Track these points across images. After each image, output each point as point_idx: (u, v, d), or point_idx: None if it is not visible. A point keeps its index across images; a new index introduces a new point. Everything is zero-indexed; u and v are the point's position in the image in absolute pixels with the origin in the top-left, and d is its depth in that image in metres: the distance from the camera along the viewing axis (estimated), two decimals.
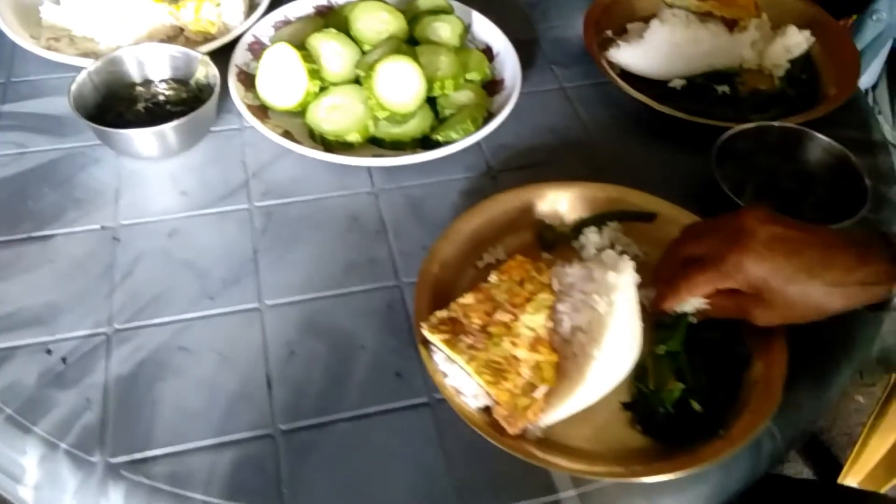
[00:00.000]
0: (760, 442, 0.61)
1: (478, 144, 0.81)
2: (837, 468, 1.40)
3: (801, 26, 0.92)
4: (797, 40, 0.91)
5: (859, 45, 1.12)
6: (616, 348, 0.58)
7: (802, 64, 0.92)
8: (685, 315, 0.63)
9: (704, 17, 0.86)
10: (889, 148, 0.86)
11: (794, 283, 0.55)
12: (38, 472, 0.56)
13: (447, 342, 0.58)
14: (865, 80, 1.21)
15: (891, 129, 1.13)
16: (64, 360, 0.62)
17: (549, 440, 0.58)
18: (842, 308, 0.56)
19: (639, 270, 0.61)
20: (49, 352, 0.63)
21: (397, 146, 0.80)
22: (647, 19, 0.91)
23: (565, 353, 0.58)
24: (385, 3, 0.90)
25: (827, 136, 0.76)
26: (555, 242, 0.71)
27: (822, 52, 0.92)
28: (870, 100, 1.22)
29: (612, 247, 0.69)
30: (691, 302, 0.60)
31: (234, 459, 0.57)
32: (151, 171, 0.78)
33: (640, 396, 0.61)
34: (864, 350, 0.68)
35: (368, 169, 0.79)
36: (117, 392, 0.61)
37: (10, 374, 0.61)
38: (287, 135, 0.79)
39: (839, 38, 0.91)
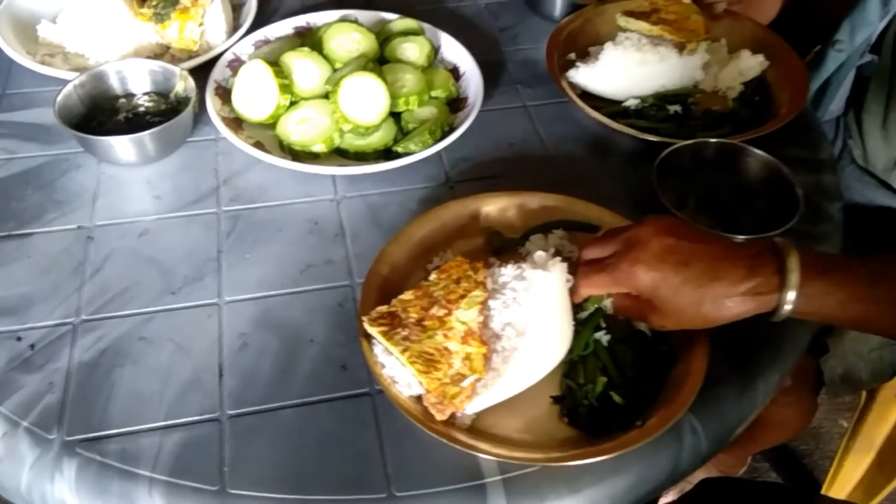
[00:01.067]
0: (682, 437, 0.64)
1: (438, 156, 0.86)
2: (818, 491, 1.41)
3: (755, 50, 0.97)
4: (750, 64, 0.95)
5: (823, 76, 1.15)
6: (541, 342, 0.61)
7: (756, 86, 0.96)
8: (598, 310, 0.66)
9: (656, 40, 0.91)
10: (835, 167, 0.90)
11: (682, 294, 0.58)
12: (0, 446, 0.61)
13: (384, 334, 0.62)
14: (834, 109, 1.24)
15: (861, 153, 1.15)
16: (32, 346, 0.67)
17: (480, 429, 0.62)
18: (732, 317, 0.59)
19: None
20: (19, 339, 0.67)
21: (361, 157, 0.85)
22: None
23: (495, 347, 0.62)
24: (357, 24, 0.96)
25: (777, 155, 0.79)
26: (503, 248, 0.75)
27: (775, 76, 0.96)
28: (841, 127, 1.25)
29: (556, 253, 0.73)
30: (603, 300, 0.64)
31: (181, 440, 0.61)
32: (129, 177, 0.83)
33: (567, 391, 0.64)
34: (791, 356, 0.71)
35: (332, 177, 0.84)
36: (79, 377, 0.65)
37: None
38: (258, 145, 0.84)
39: (791, 62, 0.96)
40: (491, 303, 0.64)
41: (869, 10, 1.05)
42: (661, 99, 0.91)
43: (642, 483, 0.62)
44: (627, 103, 0.91)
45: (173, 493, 0.58)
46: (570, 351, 0.65)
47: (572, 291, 0.63)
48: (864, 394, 1.28)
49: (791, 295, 0.56)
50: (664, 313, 0.60)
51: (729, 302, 0.58)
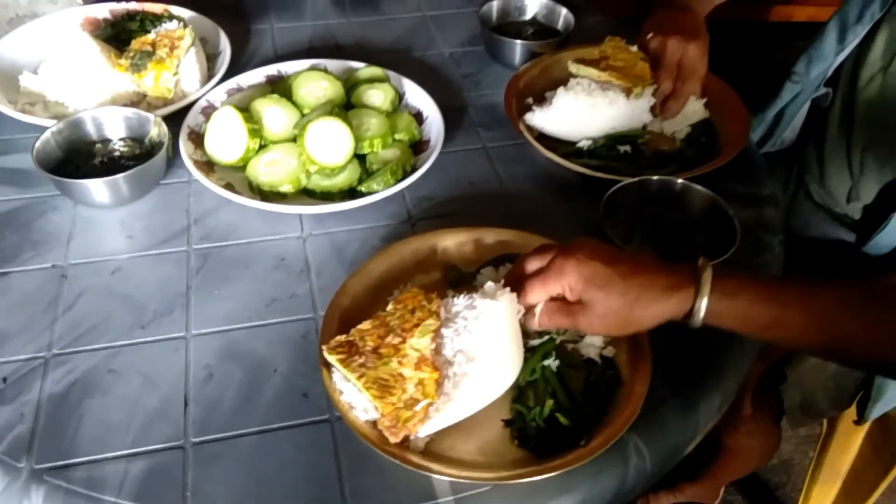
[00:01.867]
0: (627, 458, 0.67)
1: (401, 195, 0.91)
2: None
3: (701, 94, 1.03)
4: (695, 108, 1.01)
5: (779, 105, 1.21)
6: (490, 368, 0.65)
7: (702, 128, 1.02)
8: (550, 340, 0.70)
9: (605, 85, 0.97)
10: (777, 201, 0.95)
11: (610, 288, 0.63)
12: None
13: (342, 361, 0.65)
14: (787, 138, 1.30)
15: (818, 188, 1.21)
16: (4, 380, 0.70)
17: (434, 452, 0.65)
18: (654, 317, 0.64)
19: None
20: None
21: (327, 196, 0.89)
22: None
23: (447, 372, 0.65)
24: (326, 72, 1.01)
25: (721, 191, 0.84)
26: (458, 281, 0.79)
27: (719, 118, 1.02)
28: (797, 162, 1.31)
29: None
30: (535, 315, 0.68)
31: (145, 467, 0.64)
32: (103, 218, 0.87)
33: (517, 414, 0.68)
34: (733, 381, 0.75)
35: (299, 216, 0.88)
36: (49, 408, 0.68)
37: None
38: (229, 187, 0.88)
39: (733, 106, 1.02)
40: (443, 331, 0.67)
41: (825, 45, 1.11)
42: (612, 140, 0.96)
43: (589, 499, 0.65)
44: (580, 144, 0.97)
45: None
46: (520, 376, 0.68)
47: (521, 302, 0.67)
48: (825, 424, 1.32)
49: (703, 299, 0.62)
50: (594, 313, 0.64)
51: (651, 299, 0.63)
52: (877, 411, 1.11)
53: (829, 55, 1.11)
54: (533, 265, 0.67)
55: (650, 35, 1.01)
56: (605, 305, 0.64)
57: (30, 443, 0.65)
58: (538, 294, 0.66)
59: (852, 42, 1.07)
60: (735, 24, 1.69)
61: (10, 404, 0.68)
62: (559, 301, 0.66)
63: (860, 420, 1.13)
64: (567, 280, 0.64)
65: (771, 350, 1.10)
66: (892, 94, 1.02)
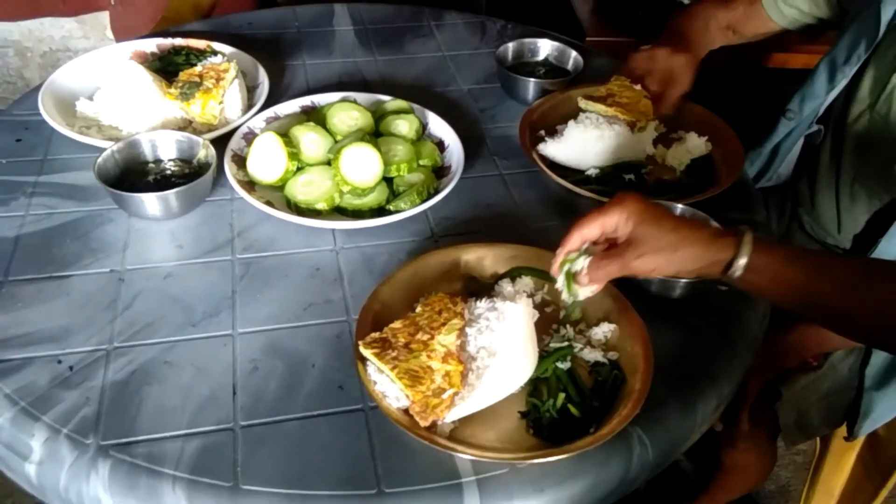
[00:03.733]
0: (632, 448, 0.74)
1: (425, 215, 0.99)
2: None
3: (701, 132, 1.12)
4: (696, 143, 1.11)
5: (774, 141, 1.29)
6: (509, 362, 0.73)
7: (702, 161, 1.11)
8: (569, 346, 0.78)
9: (612, 119, 1.06)
10: (769, 226, 1.04)
11: (662, 224, 0.70)
12: (42, 451, 0.70)
13: (376, 355, 0.73)
14: (783, 172, 1.38)
15: (810, 220, 1.29)
16: (71, 368, 0.77)
17: (458, 439, 0.72)
18: (697, 259, 0.71)
19: (542, 310, 0.77)
20: (59, 362, 0.78)
21: (358, 214, 0.98)
22: None
23: (470, 366, 0.73)
24: (356, 104, 1.11)
25: (718, 217, 0.92)
26: (477, 291, 0.87)
27: (718, 153, 1.11)
28: (791, 196, 1.39)
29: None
30: (577, 264, 0.76)
31: (200, 446, 0.71)
32: (155, 229, 0.96)
33: (532, 407, 0.75)
34: (727, 384, 0.82)
35: (333, 231, 0.96)
36: (111, 393, 0.75)
37: (27, 377, 0.76)
38: (269, 204, 0.97)
39: (730, 142, 1.11)
40: (467, 329, 0.75)
41: (817, 84, 1.20)
42: (618, 168, 1.06)
43: (598, 486, 0.72)
44: (588, 172, 1.06)
45: (193, 489, 0.67)
46: (535, 373, 0.76)
47: (563, 241, 0.75)
48: (818, 445, 1.38)
49: (745, 249, 0.69)
50: (645, 246, 0.71)
51: (696, 244, 0.70)
52: (866, 428, 1.17)
53: (821, 94, 1.20)
54: (597, 231, 0.75)
55: (641, 49, 1.12)
56: (656, 239, 0.70)
57: (95, 422, 0.72)
58: (593, 227, 0.72)
59: (841, 82, 1.16)
60: (737, 70, 1.81)
61: (77, 389, 0.75)
62: (608, 251, 0.73)
63: (850, 437, 1.19)
64: (626, 209, 0.71)
65: (767, 368, 1.17)
66: (878, 129, 1.10)
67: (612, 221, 0.73)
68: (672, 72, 1.14)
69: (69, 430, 0.71)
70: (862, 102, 1.12)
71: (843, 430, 1.23)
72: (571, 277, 0.77)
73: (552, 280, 0.82)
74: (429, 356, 0.73)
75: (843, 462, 1.36)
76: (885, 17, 1.08)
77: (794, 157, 1.34)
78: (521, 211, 1.03)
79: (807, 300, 0.70)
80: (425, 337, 0.74)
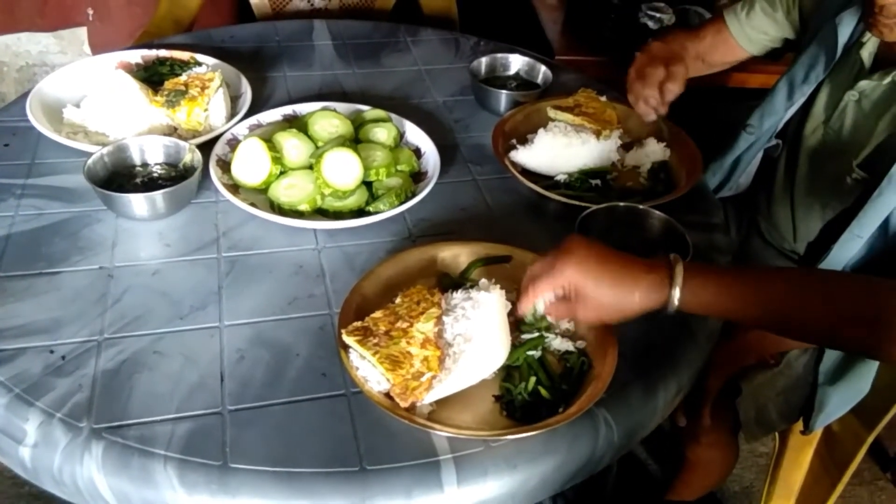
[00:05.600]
0: (598, 428, 0.79)
1: (403, 216, 1.04)
2: None
3: (661, 138, 1.19)
4: (654, 149, 1.18)
5: (735, 153, 1.37)
6: (483, 347, 0.77)
7: (662, 167, 1.18)
8: (541, 336, 0.83)
9: (578, 128, 1.13)
10: (729, 228, 1.10)
11: (602, 284, 0.76)
12: (36, 434, 0.73)
13: (359, 342, 0.77)
14: (742, 183, 1.46)
15: (767, 227, 1.36)
16: (63, 357, 0.80)
17: (435, 420, 0.77)
18: (638, 308, 0.77)
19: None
20: (52, 352, 0.81)
21: (339, 215, 1.02)
22: None
23: (447, 351, 0.78)
24: (337, 112, 1.16)
25: (678, 219, 0.98)
26: (451, 286, 0.91)
27: (677, 160, 1.18)
28: (750, 205, 1.46)
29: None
30: (538, 306, 0.81)
31: (189, 428, 0.74)
32: (143, 229, 0.99)
33: (505, 391, 0.80)
34: (686, 371, 0.88)
35: (314, 231, 1.01)
36: (103, 380, 0.78)
37: (21, 365, 0.79)
38: (253, 206, 1.01)
39: (688, 148, 1.18)
40: (444, 318, 0.80)
41: (776, 101, 1.28)
42: (585, 174, 1.12)
43: (567, 463, 0.77)
44: (558, 177, 1.12)
45: (184, 468, 0.71)
46: (508, 360, 0.81)
47: (522, 301, 0.80)
48: (776, 441, 1.45)
49: (676, 290, 0.75)
50: (588, 305, 0.77)
51: (635, 293, 0.76)
52: (821, 422, 1.24)
53: (780, 110, 1.28)
54: (537, 269, 0.80)
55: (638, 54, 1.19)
56: (597, 299, 0.77)
57: (88, 407, 0.75)
58: (546, 290, 0.79)
59: (799, 100, 1.24)
60: (699, 89, 1.90)
61: (69, 377, 0.78)
62: (560, 300, 0.79)
63: (806, 430, 1.26)
64: (567, 279, 0.77)
65: (727, 365, 1.24)
66: (831, 143, 1.18)
67: (560, 286, 0.79)
68: (671, 58, 1.19)
69: (62, 414, 0.74)
70: (817, 118, 1.20)
71: (800, 426, 1.30)
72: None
73: (505, 261, 0.90)
74: (408, 342, 0.77)
75: (801, 458, 1.43)
76: (842, 39, 1.16)
77: (754, 168, 1.42)
78: (493, 213, 1.09)
79: (743, 314, 0.77)
80: (405, 325, 0.79)
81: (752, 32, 1.30)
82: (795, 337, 0.84)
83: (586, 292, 0.77)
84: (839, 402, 1.21)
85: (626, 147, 1.20)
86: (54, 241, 0.96)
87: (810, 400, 1.24)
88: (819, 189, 1.21)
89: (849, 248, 1.10)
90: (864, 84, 1.10)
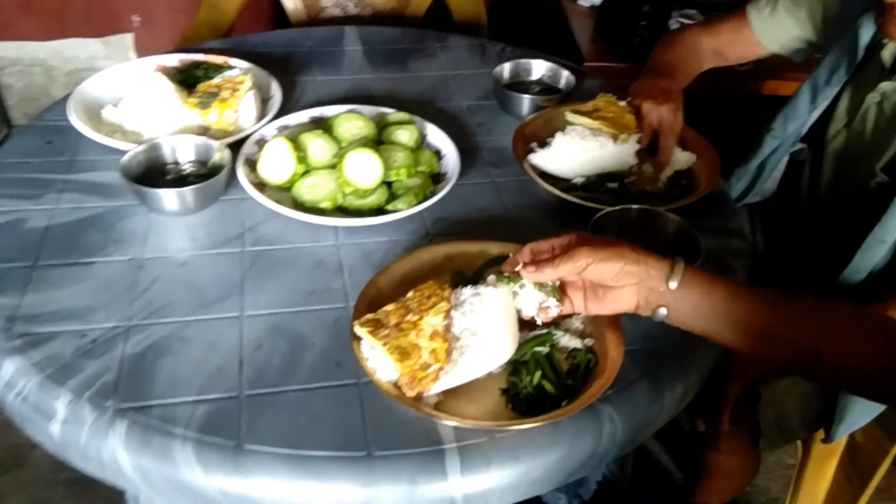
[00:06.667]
0: (602, 423, 0.81)
1: (421, 215, 1.07)
2: None
3: (684, 145, 1.20)
4: (678, 157, 1.19)
5: (760, 157, 1.36)
6: (489, 341, 0.80)
7: (684, 174, 1.18)
8: (549, 333, 0.85)
9: (596, 132, 1.14)
10: (755, 234, 1.11)
11: (610, 263, 0.78)
12: (65, 411, 0.78)
13: (370, 332, 0.80)
14: (768, 188, 1.45)
15: (792, 233, 1.35)
16: (93, 341, 0.85)
17: (442, 410, 0.79)
18: (634, 304, 0.79)
19: None
20: (83, 336, 0.86)
21: (359, 213, 1.06)
22: None
23: (454, 345, 0.80)
24: (361, 114, 1.20)
25: (696, 223, 0.99)
26: (463, 283, 0.94)
27: (699, 167, 1.19)
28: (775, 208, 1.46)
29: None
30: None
31: (208, 410, 0.78)
32: (172, 223, 1.04)
33: (511, 385, 0.82)
34: (693, 373, 0.89)
35: (335, 228, 1.04)
36: (130, 364, 0.83)
37: (54, 348, 0.84)
38: (277, 203, 1.05)
39: (709, 155, 1.18)
40: (453, 313, 0.82)
41: (799, 104, 1.27)
42: (602, 177, 1.13)
43: (570, 456, 0.79)
44: (575, 180, 1.14)
45: (201, 447, 0.75)
46: (516, 355, 0.83)
47: (539, 270, 0.80)
48: (800, 451, 1.43)
49: (674, 282, 0.77)
50: (598, 298, 0.80)
51: (635, 294, 0.78)
52: (842, 431, 1.22)
53: (804, 113, 1.27)
54: (541, 247, 0.83)
55: (633, 99, 1.20)
56: (608, 295, 0.80)
57: (114, 388, 0.80)
58: (553, 276, 0.80)
59: (823, 103, 1.24)
60: (732, 95, 1.90)
61: (98, 359, 0.83)
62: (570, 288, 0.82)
63: (827, 439, 1.25)
64: (577, 269, 0.78)
65: (746, 370, 1.23)
66: (853, 146, 1.18)
67: (576, 267, 0.79)
68: (661, 123, 1.19)
69: (90, 394, 0.79)
70: (840, 121, 1.20)
71: (821, 435, 1.28)
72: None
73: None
74: (417, 335, 0.80)
75: (824, 468, 1.41)
76: (863, 42, 1.16)
77: (779, 173, 1.41)
78: (510, 215, 1.11)
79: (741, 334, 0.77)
80: (415, 318, 0.81)
81: (774, 30, 1.30)
82: (796, 371, 0.83)
83: (601, 275, 0.78)
84: (861, 411, 1.20)
85: (650, 153, 1.21)
86: (90, 233, 1.01)
87: (832, 408, 1.23)
88: (843, 193, 1.20)
89: (873, 254, 1.10)
90: (885, 86, 1.10)
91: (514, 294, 0.83)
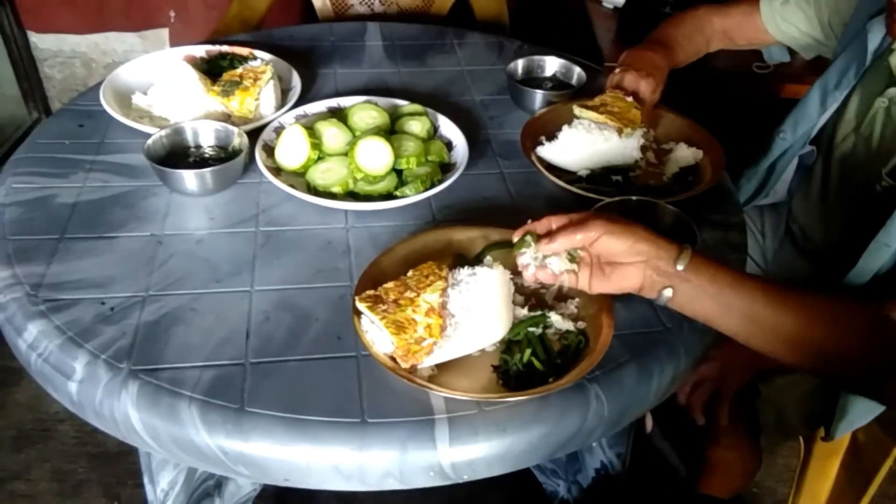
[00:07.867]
0: (589, 401, 0.84)
1: (428, 202, 1.11)
2: None
3: (690, 143, 1.22)
4: (684, 154, 1.21)
5: (770, 159, 1.38)
6: (481, 318, 0.83)
7: (690, 170, 1.21)
8: (543, 315, 0.89)
9: (602, 126, 1.17)
10: (746, 227, 1.13)
11: (622, 237, 0.80)
12: (83, 371, 0.83)
13: (369, 307, 0.84)
14: (779, 190, 1.46)
15: (801, 234, 1.36)
16: (112, 309, 0.91)
17: (435, 382, 0.83)
18: (639, 282, 0.82)
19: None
20: (103, 303, 0.91)
21: (369, 198, 1.10)
22: None
23: (449, 321, 0.84)
24: (377, 105, 1.24)
25: (699, 217, 1.01)
26: (463, 265, 0.98)
27: (704, 163, 1.21)
28: (786, 212, 1.47)
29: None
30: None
31: (215, 375, 0.83)
32: (192, 203, 1.10)
33: (503, 362, 0.86)
34: (684, 359, 0.91)
35: (345, 212, 1.09)
36: (144, 330, 0.88)
37: (75, 313, 0.89)
38: (291, 187, 1.10)
39: (714, 151, 1.20)
40: (449, 291, 0.86)
41: (809, 106, 1.29)
42: (607, 170, 1.16)
43: (556, 432, 0.82)
44: (580, 173, 1.17)
45: (206, 408, 0.79)
46: (510, 334, 0.87)
47: (552, 240, 0.83)
48: (802, 450, 1.44)
49: (681, 264, 0.79)
50: (604, 275, 0.83)
51: (641, 277, 0.81)
52: (842, 430, 1.23)
53: (813, 116, 1.29)
54: (559, 220, 0.86)
55: (619, 67, 1.23)
56: (615, 272, 0.82)
57: (129, 352, 0.85)
58: (574, 240, 0.82)
59: (832, 106, 1.25)
60: (754, 98, 1.91)
61: (115, 325, 0.88)
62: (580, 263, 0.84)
63: (827, 437, 1.26)
64: (590, 237, 0.81)
65: (745, 366, 1.25)
66: (861, 150, 1.19)
67: (588, 237, 0.82)
68: (636, 95, 1.24)
69: (106, 356, 0.84)
70: (848, 124, 1.21)
71: (823, 434, 1.29)
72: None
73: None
74: (414, 310, 0.84)
75: (826, 467, 1.42)
76: (872, 46, 1.17)
77: (789, 176, 1.43)
78: (515, 203, 1.14)
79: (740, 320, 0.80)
80: (412, 295, 0.85)
81: (782, 22, 1.32)
82: (788, 361, 0.84)
83: (609, 245, 0.81)
84: (862, 410, 1.21)
85: (659, 153, 1.23)
86: (114, 210, 1.07)
87: (832, 406, 1.23)
88: (850, 197, 1.21)
89: (877, 258, 1.11)
90: (893, 91, 1.11)
91: (536, 258, 0.85)
